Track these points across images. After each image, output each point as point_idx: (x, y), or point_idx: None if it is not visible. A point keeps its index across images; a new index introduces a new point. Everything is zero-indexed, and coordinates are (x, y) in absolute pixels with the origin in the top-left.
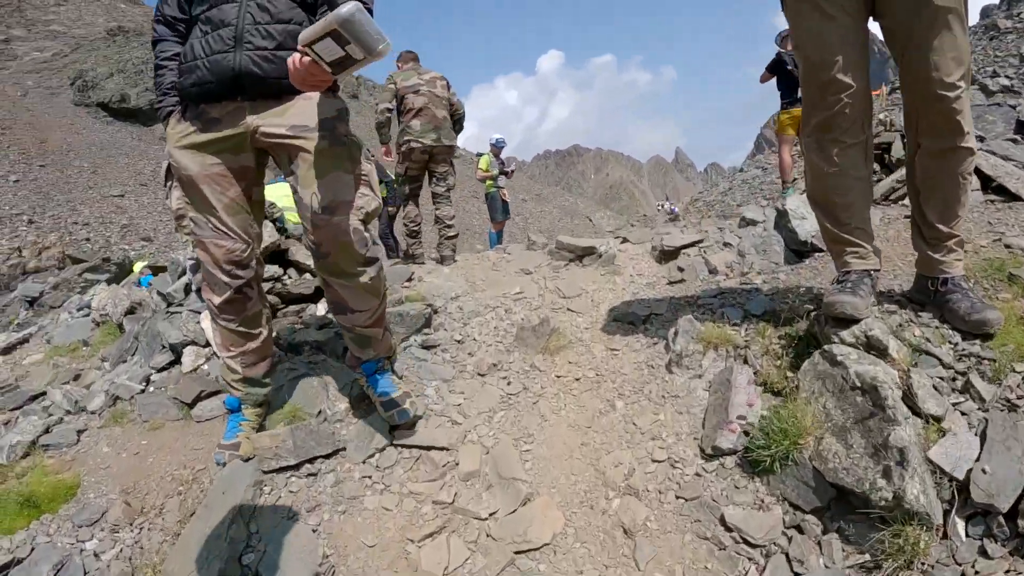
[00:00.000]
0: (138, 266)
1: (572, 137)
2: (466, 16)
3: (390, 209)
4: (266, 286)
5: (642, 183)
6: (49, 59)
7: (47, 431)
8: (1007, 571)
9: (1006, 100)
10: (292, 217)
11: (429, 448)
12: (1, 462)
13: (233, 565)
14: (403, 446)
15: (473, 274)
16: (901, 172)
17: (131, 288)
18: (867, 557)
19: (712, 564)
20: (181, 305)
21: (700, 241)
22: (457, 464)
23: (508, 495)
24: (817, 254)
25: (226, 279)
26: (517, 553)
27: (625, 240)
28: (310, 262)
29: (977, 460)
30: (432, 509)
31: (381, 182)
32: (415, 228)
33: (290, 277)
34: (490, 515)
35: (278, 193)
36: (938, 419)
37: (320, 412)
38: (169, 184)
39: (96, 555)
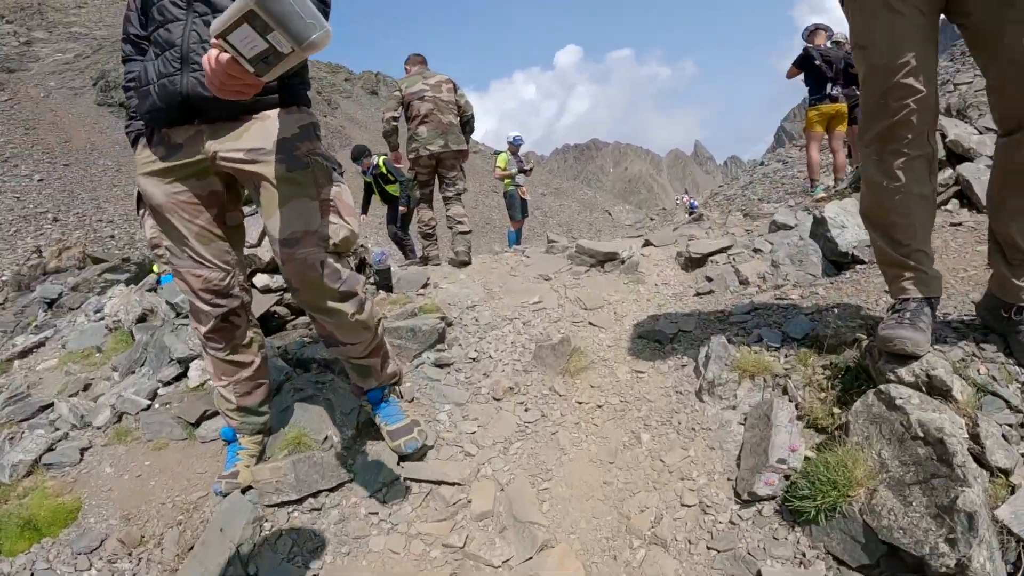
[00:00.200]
0: (157, 267)
1: (591, 131)
2: (483, 11)
3: (402, 209)
4: (274, 298)
5: (661, 177)
6: (71, 60)
7: (51, 448)
8: None
9: None
10: None
11: (440, 483)
12: (3, 481)
13: None
14: (412, 480)
15: (490, 280)
16: (945, 174)
17: (143, 294)
18: None
19: None
20: (188, 317)
21: (729, 247)
22: (469, 502)
23: (524, 540)
24: (859, 266)
25: (207, 308)
26: None
27: (648, 243)
28: None
29: None
30: (441, 554)
31: (396, 181)
32: (429, 231)
33: None
34: (503, 562)
35: None
36: (1006, 472)
37: (326, 439)
38: (142, 212)
39: None
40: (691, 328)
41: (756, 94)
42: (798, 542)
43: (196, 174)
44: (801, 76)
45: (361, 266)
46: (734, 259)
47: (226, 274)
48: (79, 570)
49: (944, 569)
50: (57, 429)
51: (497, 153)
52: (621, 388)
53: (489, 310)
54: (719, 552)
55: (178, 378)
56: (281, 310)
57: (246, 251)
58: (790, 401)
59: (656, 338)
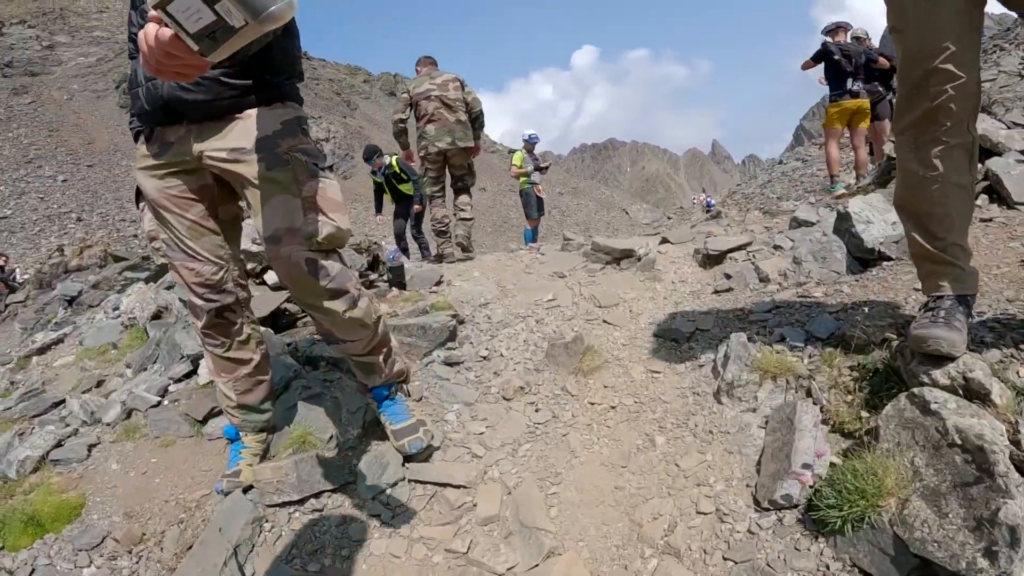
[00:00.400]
0: (156, 259)
1: (608, 131)
2: (501, 12)
3: (417, 208)
4: (284, 295)
5: (678, 176)
6: (94, 64)
7: (59, 444)
8: None
9: None
10: None
11: (445, 485)
12: (10, 477)
13: None
14: (417, 482)
15: (504, 277)
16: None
17: (159, 291)
18: None
19: None
20: None
21: (748, 244)
22: (475, 506)
23: (530, 547)
24: (885, 263)
25: (200, 302)
26: None
27: (665, 240)
28: None
29: None
30: (444, 559)
31: (409, 180)
32: (443, 228)
33: None
34: (508, 570)
35: None
36: None
37: (331, 437)
38: (141, 206)
39: None
40: (709, 327)
41: (774, 93)
42: (821, 553)
43: (187, 170)
44: (821, 73)
45: (375, 263)
46: (754, 256)
47: (219, 268)
48: (79, 567)
49: None
50: (68, 425)
51: (513, 151)
52: (635, 388)
53: (502, 308)
54: (736, 563)
55: (188, 375)
56: (291, 307)
57: (254, 248)
58: (814, 404)
59: (672, 337)
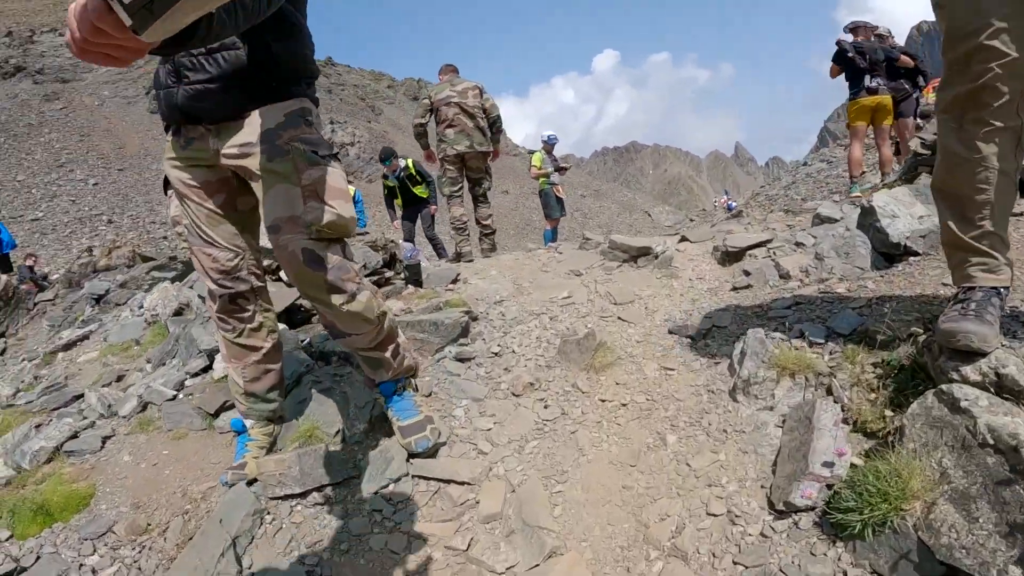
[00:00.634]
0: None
1: (630, 134)
2: (522, 18)
3: (433, 209)
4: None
5: (701, 178)
6: (124, 71)
7: (75, 436)
8: None
9: None
10: None
11: (448, 482)
12: (24, 467)
13: None
14: (420, 478)
15: (521, 276)
16: None
17: (181, 288)
18: None
19: None
20: None
21: (768, 241)
22: (478, 503)
23: (531, 546)
24: (912, 258)
25: (214, 287)
26: None
27: (684, 239)
28: None
29: None
30: (443, 556)
31: (424, 182)
32: (461, 225)
33: None
34: (507, 569)
35: None
36: None
37: (338, 432)
38: (169, 193)
39: (94, 572)
40: (726, 323)
41: (798, 95)
42: (839, 559)
43: (206, 165)
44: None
45: (391, 261)
46: (774, 253)
47: (235, 255)
48: (83, 555)
49: None
50: (85, 418)
51: (532, 152)
52: (648, 386)
53: (516, 305)
54: (747, 568)
55: (205, 370)
56: (306, 303)
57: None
58: (835, 402)
59: (688, 333)
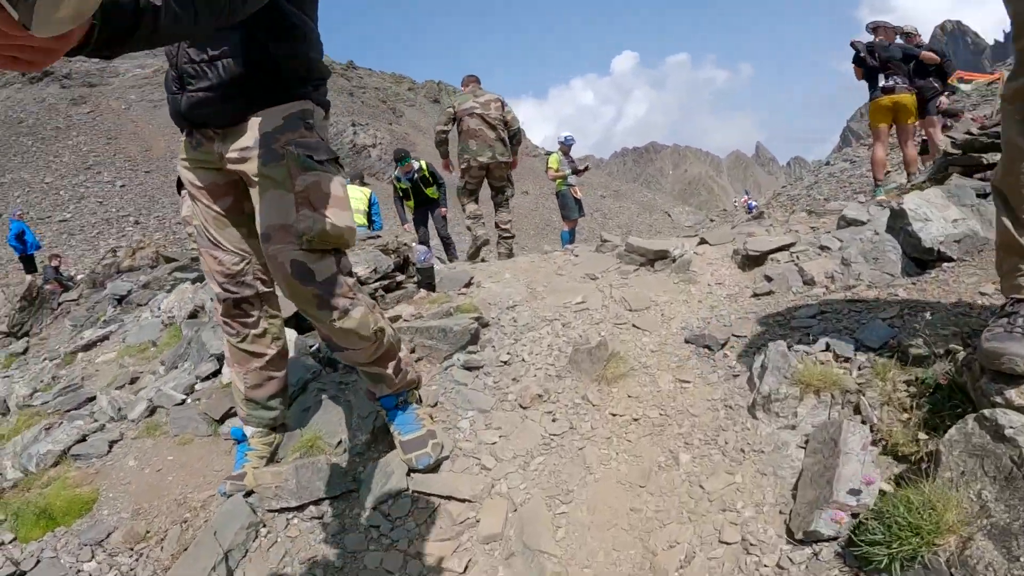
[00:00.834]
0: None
1: (649, 134)
2: (541, 20)
3: (443, 211)
4: None
5: (721, 178)
6: (150, 75)
7: (83, 439)
8: None
9: None
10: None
11: (449, 498)
12: (30, 470)
13: None
14: (420, 493)
15: (535, 279)
16: None
17: (197, 291)
18: None
19: None
20: None
21: (791, 244)
22: (478, 522)
23: (530, 570)
24: (946, 264)
25: (219, 291)
26: None
27: (703, 241)
28: (359, 270)
29: None
30: None
31: (435, 183)
32: (477, 214)
33: None
34: None
35: None
36: None
37: (340, 442)
38: (183, 192)
39: None
40: (746, 333)
41: (820, 95)
42: None
43: (216, 168)
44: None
45: (405, 264)
46: (797, 257)
47: (240, 259)
48: (81, 561)
49: None
50: (96, 421)
51: (549, 154)
52: (662, 399)
53: (529, 310)
54: None
55: (215, 374)
56: None
57: None
58: (863, 423)
59: (706, 343)
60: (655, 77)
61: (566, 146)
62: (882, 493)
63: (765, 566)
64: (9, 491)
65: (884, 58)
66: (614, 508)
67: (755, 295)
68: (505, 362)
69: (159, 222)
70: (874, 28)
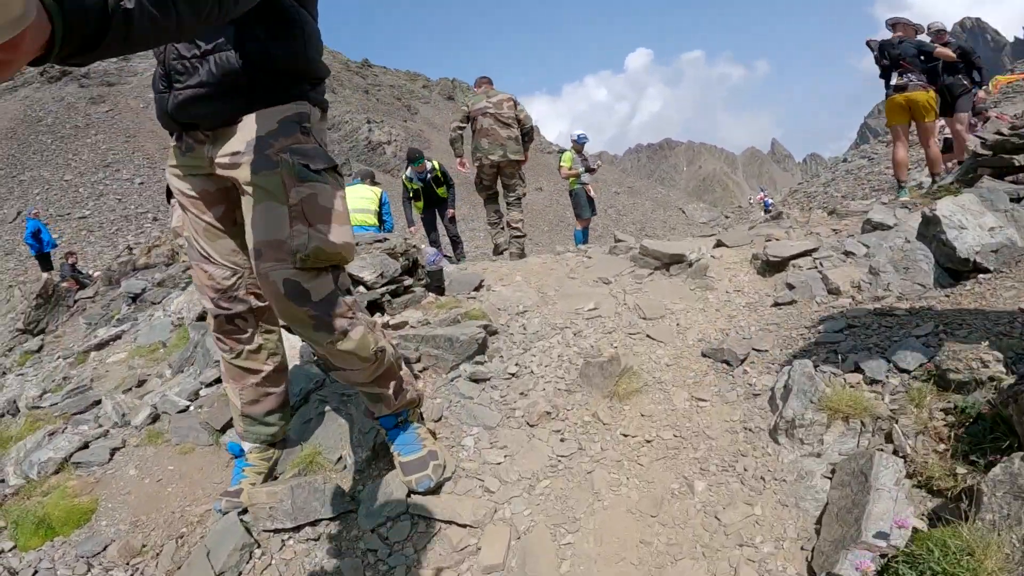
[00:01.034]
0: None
1: (664, 131)
2: (554, 18)
3: (451, 212)
4: None
5: (736, 175)
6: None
7: (85, 446)
8: None
9: None
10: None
11: (450, 523)
12: (32, 477)
13: None
14: (420, 517)
15: (546, 283)
16: None
17: None
18: None
19: None
20: None
21: (814, 250)
22: (479, 550)
23: None
24: (982, 276)
25: (211, 306)
26: None
27: (720, 244)
28: (365, 274)
29: None
30: None
31: (445, 183)
32: (495, 220)
33: None
34: None
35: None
36: None
37: (340, 459)
38: (173, 201)
39: None
40: (767, 347)
41: (836, 92)
42: None
43: (204, 173)
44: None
45: (413, 267)
46: (821, 263)
47: (232, 273)
48: (76, 574)
49: None
50: (100, 426)
51: (563, 152)
52: (677, 419)
53: (539, 317)
54: None
55: (219, 380)
56: None
57: None
58: (896, 453)
59: (724, 358)
60: (669, 74)
61: (579, 144)
62: (914, 531)
63: None
64: (11, 498)
65: (894, 56)
66: (623, 539)
67: (776, 304)
68: (513, 374)
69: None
70: (893, 24)
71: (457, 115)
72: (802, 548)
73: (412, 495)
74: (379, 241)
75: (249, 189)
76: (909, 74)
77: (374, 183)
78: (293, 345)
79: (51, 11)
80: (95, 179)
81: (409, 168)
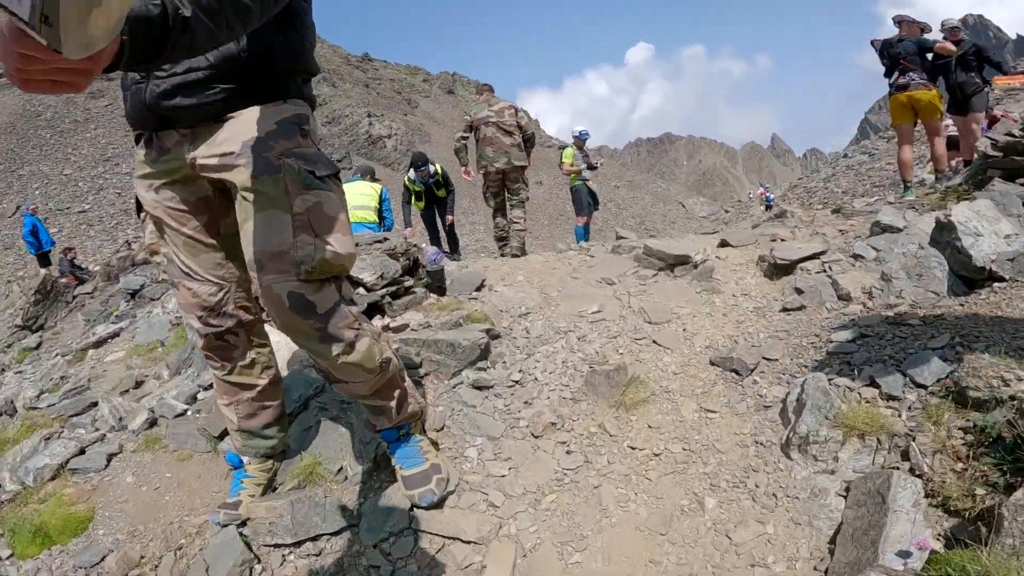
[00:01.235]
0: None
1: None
2: (555, 13)
3: (450, 219)
4: None
5: (736, 169)
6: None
7: (82, 452)
8: None
9: None
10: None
11: (453, 539)
12: (28, 484)
13: None
14: (423, 532)
15: (549, 283)
16: None
17: None
18: None
19: None
20: None
21: (822, 253)
22: (484, 568)
23: None
24: (997, 284)
25: (199, 325)
26: None
27: (725, 243)
28: (365, 276)
29: None
30: None
31: (445, 187)
32: (503, 234)
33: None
34: None
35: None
36: None
37: (341, 470)
38: (143, 215)
39: None
40: (777, 356)
41: (837, 87)
42: None
43: (183, 179)
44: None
45: (414, 267)
46: (830, 267)
47: (218, 289)
48: None
49: None
50: (97, 429)
51: (564, 147)
52: (685, 431)
53: (543, 319)
54: None
55: None
56: None
57: None
58: (912, 471)
59: (733, 367)
60: (670, 69)
61: (581, 140)
62: (931, 553)
63: None
64: (7, 504)
65: (894, 55)
66: (631, 559)
67: (785, 310)
68: (517, 381)
69: None
70: (899, 22)
71: (460, 126)
72: (815, 568)
73: (415, 509)
74: (379, 241)
75: (247, 195)
76: (910, 73)
77: (374, 179)
78: (289, 350)
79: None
80: (95, 173)
81: (412, 171)
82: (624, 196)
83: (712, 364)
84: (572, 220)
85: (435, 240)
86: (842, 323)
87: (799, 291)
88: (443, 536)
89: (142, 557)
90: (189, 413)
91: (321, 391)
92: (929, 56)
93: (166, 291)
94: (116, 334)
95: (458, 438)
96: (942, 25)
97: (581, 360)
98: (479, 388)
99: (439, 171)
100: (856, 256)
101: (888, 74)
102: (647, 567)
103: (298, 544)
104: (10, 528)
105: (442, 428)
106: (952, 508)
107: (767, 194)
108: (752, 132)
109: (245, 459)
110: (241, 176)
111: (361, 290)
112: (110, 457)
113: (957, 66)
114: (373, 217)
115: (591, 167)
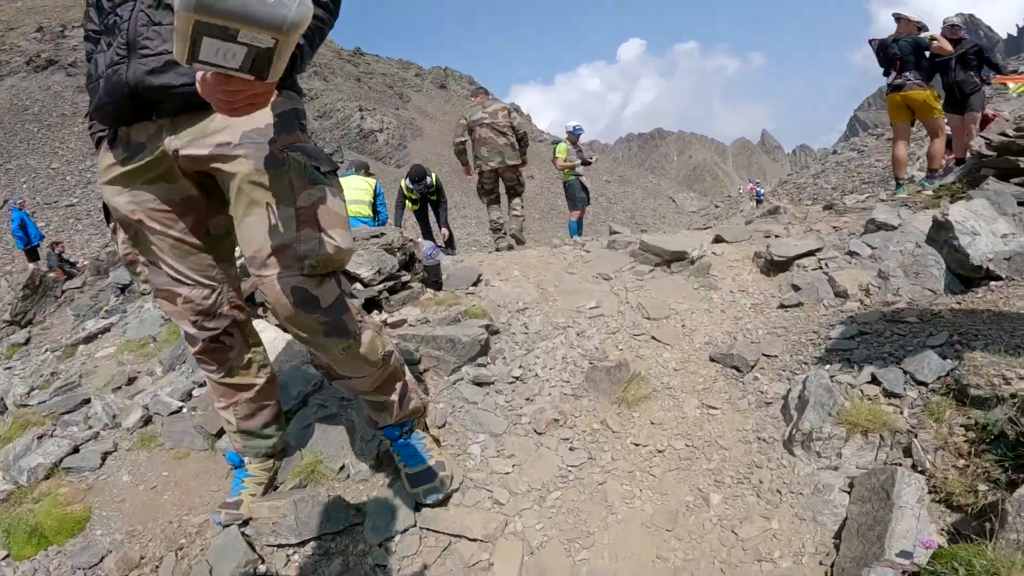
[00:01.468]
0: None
1: (656, 121)
2: (545, 9)
3: (444, 233)
4: None
5: (726, 164)
6: None
7: (75, 451)
8: None
9: None
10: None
11: (459, 537)
12: (22, 483)
13: None
14: (429, 530)
15: (545, 278)
16: None
17: None
18: None
19: None
20: None
21: (818, 250)
22: (491, 565)
23: None
24: (993, 283)
25: (193, 331)
26: None
27: (720, 239)
28: (362, 271)
29: None
30: None
31: (438, 197)
32: (498, 227)
33: None
34: None
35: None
36: None
37: (343, 468)
38: (112, 224)
39: None
40: (777, 353)
41: (827, 85)
42: None
43: (164, 177)
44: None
45: (410, 261)
46: (826, 264)
47: (211, 291)
48: None
49: None
50: (90, 427)
51: (556, 142)
52: (688, 428)
53: (541, 315)
54: None
55: None
56: None
57: None
58: (915, 468)
59: (733, 364)
60: (663, 65)
61: (574, 136)
62: (941, 552)
63: None
64: (0, 504)
65: (889, 54)
66: (638, 555)
67: (782, 306)
68: (517, 377)
69: None
70: (898, 19)
71: (457, 129)
72: (820, 563)
73: (420, 507)
74: (375, 236)
75: (249, 188)
76: (905, 72)
77: (368, 174)
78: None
79: None
80: (82, 167)
81: (409, 180)
82: (615, 191)
83: (712, 360)
84: (564, 215)
85: (427, 235)
86: (840, 320)
87: (796, 288)
88: (449, 534)
89: (142, 558)
90: (184, 410)
91: (320, 388)
92: (927, 54)
93: None
94: (106, 329)
95: (460, 435)
96: (943, 23)
97: (581, 356)
98: (480, 384)
99: (435, 182)
100: (852, 253)
101: (886, 73)
102: (654, 563)
103: (302, 544)
104: (5, 529)
105: (444, 425)
106: (955, 504)
107: (757, 189)
108: (744, 129)
109: (245, 458)
110: (243, 167)
111: (358, 285)
112: (105, 456)
113: (957, 64)
114: (368, 211)
115: (585, 162)
